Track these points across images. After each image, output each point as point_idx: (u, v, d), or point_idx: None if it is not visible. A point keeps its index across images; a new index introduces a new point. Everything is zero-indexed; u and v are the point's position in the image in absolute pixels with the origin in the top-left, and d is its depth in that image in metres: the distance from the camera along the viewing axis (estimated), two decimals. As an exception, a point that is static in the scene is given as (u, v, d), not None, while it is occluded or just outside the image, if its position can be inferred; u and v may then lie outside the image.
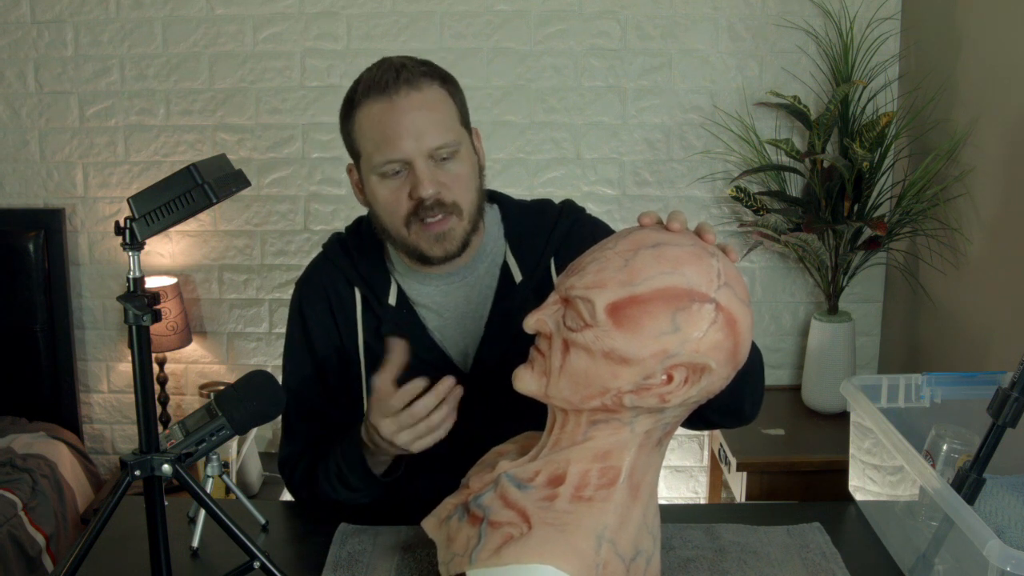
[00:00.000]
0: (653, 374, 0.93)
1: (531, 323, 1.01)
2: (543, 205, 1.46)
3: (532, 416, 1.11)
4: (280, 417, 1.27)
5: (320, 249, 1.46)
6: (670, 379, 0.94)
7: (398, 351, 1.20)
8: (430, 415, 1.17)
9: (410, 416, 1.17)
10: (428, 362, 1.34)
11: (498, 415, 1.23)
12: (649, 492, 1.02)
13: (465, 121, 1.33)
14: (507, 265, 1.39)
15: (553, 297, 1.01)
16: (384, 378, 1.19)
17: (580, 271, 0.98)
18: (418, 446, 1.19)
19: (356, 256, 1.40)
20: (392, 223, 1.29)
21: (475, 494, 1.05)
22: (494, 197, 1.46)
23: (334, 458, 1.32)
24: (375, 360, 1.31)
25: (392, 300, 1.38)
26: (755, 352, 1.24)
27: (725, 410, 1.22)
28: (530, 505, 0.99)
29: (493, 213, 1.43)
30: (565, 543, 0.96)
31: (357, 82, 1.29)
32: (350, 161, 1.36)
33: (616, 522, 0.98)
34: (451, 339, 1.38)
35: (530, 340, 1.04)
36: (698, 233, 0.99)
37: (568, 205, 1.44)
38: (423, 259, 1.31)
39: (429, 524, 1.12)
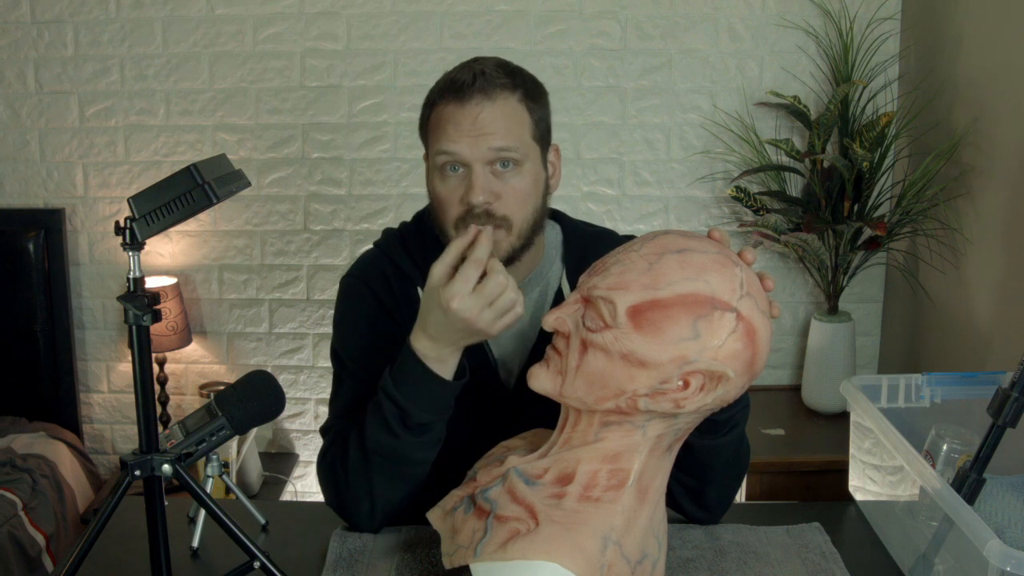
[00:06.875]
0: (670, 379, 0.94)
1: (550, 321, 1.01)
2: (607, 234, 1.43)
3: None
4: (280, 415, 1.25)
5: (370, 246, 1.42)
6: (686, 385, 0.94)
7: (484, 242, 1.14)
8: (504, 294, 1.12)
9: (491, 293, 1.11)
10: (474, 368, 1.28)
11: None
12: (657, 497, 1.02)
13: (540, 136, 1.30)
14: (561, 292, 1.37)
15: (574, 296, 1.01)
16: (446, 262, 1.14)
17: (603, 271, 0.98)
18: (499, 326, 1.14)
19: (417, 253, 1.37)
20: (444, 222, 1.28)
21: (483, 487, 1.05)
22: (556, 217, 1.43)
23: (385, 388, 1.20)
24: None
25: None
26: (741, 446, 1.25)
27: (690, 488, 1.25)
28: (538, 502, 0.99)
29: (554, 234, 1.40)
30: (571, 542, 0.96)
31: (440, 80, 1.29)
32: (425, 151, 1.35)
33: (623, 524, 0.98)
34: (499, 355, 1.36)
35: None
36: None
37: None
38: None
39: (434, 515, 1.11)
